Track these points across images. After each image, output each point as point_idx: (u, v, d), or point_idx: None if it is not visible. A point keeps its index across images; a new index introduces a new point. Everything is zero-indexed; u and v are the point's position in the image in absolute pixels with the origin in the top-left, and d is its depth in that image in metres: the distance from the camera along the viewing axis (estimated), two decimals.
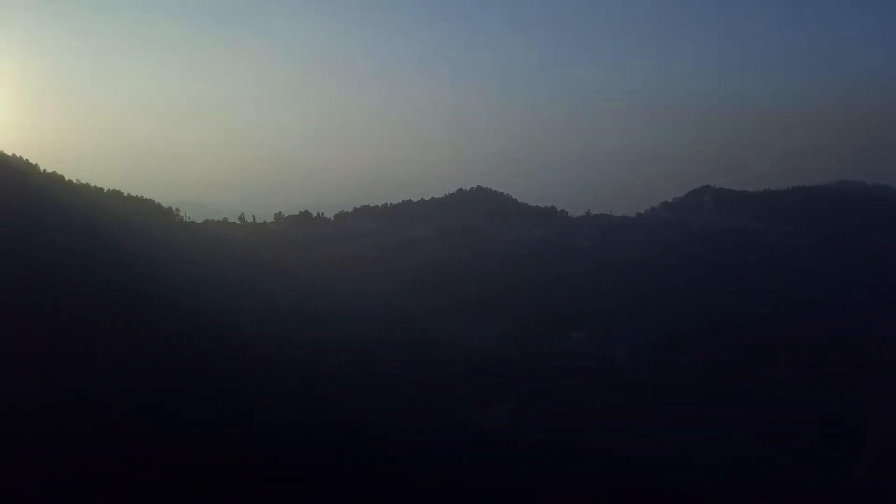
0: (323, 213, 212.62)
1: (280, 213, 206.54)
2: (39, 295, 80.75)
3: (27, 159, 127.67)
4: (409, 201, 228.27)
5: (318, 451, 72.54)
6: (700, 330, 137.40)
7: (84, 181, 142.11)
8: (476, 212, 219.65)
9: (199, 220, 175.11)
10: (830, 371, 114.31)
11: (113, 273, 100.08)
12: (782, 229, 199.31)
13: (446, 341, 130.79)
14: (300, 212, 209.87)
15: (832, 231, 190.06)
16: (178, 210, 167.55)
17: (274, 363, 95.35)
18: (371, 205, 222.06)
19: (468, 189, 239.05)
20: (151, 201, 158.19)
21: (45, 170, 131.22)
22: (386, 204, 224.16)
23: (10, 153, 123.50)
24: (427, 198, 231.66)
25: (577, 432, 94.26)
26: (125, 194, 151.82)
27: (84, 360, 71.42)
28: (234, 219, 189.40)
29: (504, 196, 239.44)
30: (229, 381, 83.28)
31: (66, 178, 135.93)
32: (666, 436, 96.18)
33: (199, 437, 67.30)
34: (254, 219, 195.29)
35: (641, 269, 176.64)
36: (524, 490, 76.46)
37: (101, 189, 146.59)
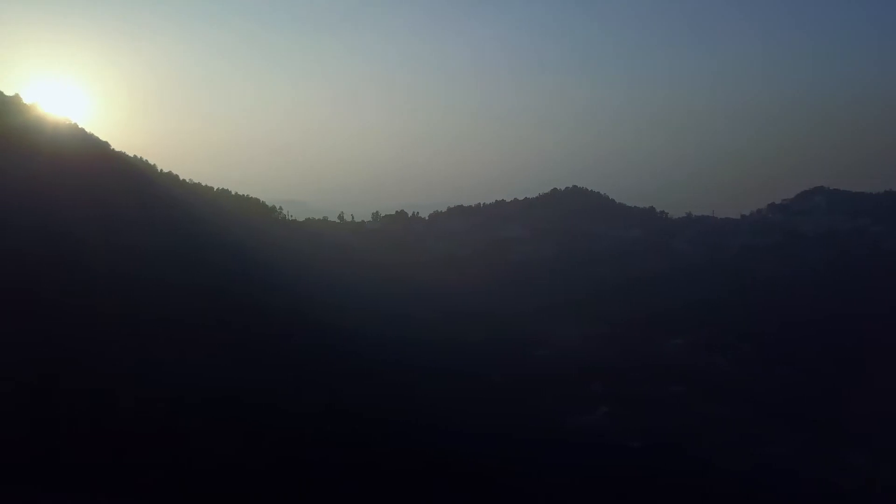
0: (418, 213, 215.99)
1: (377, 212, 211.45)
2: (148, 290, 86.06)
3: (147, 160, 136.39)
4: (503, 201, 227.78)
5: (410, 449, 73.35)
6: (811, 339, 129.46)
7: (196, 180, 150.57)
8: (571, 212, 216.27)
9: (301, 219, 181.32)
10: None
11: (220, 269, 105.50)
12: None
13: (540, 342, 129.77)
14: (396, 211, 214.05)
15: None
16: (280, 208, 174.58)
17: (369, 360, 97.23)
18: (465, 205, 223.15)
19: (563, 189, 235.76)
20: (256, 200, 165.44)
21: (162, 170, 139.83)
22: (479, 204, 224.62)
23: (131, 154, 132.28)
24: (521, 198, 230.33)
25: (676, 439, 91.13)
26: (232, 193, 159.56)
27: (191, 356, 75.47)
28: (333, 217, 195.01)
29: (601, 196, 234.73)
30: (326, 377, 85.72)
31: (181, 178, 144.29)
32: (771, 450, 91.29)
33: (297, 432, 69.39)
34: (352, 218, 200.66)
35: (746, 273, 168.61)
36: (620, 496, 74.57)
37: (211, 188, 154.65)
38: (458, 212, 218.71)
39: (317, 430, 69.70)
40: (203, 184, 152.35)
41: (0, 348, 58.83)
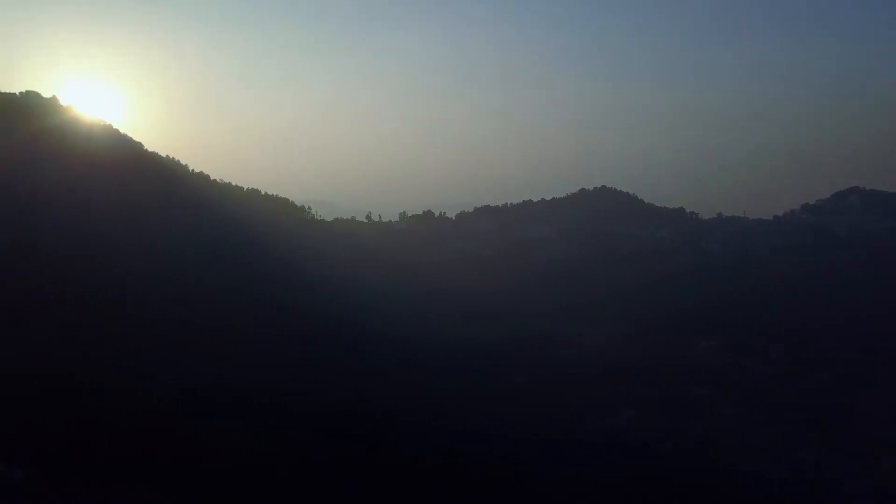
0: (445, 213, 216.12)
1: (404, 212, 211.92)
2: (173, 289, 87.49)
3: (179, 160, 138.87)
4: (530, 201, 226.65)
5: (433, 448, 73.54)
6: (845, 343, 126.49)
7: (227, 180, 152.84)
8: (600, 212, 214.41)
9: (329, 219, 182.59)
10: None
11: (247, 269, 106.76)
12: None
13: (566, 342, 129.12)
14: (423, 211, 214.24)
15: None
16: (309, 208, 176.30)
17: (391, 359, 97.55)
18: (492, 205, 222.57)
19: (591, 189, 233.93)
20: (285, 199, 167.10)
21: (193, 170, 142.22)
22: (506, 204, 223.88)
23: (164, 154, 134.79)
24: (549, 198, 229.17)
25: (703, 442, 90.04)
26: (262, 193, 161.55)
27: (214, 355, 76.52)
28: (361, 217, 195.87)
29: (630, 196, 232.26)
30: (348, 377, 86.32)
31: (212, 178, 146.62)
32: (804, 456, 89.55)
33: (317, 431, 69.93)
34: (380, 218, 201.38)
35: (778, 275, 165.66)
36: (644, 497, 73.99)
37: (242, 188, 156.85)
38: (485, 212, 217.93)
39: (336, 429, 70.40)
40: (234, 184, 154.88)
41: (29, 344, 60.80)
